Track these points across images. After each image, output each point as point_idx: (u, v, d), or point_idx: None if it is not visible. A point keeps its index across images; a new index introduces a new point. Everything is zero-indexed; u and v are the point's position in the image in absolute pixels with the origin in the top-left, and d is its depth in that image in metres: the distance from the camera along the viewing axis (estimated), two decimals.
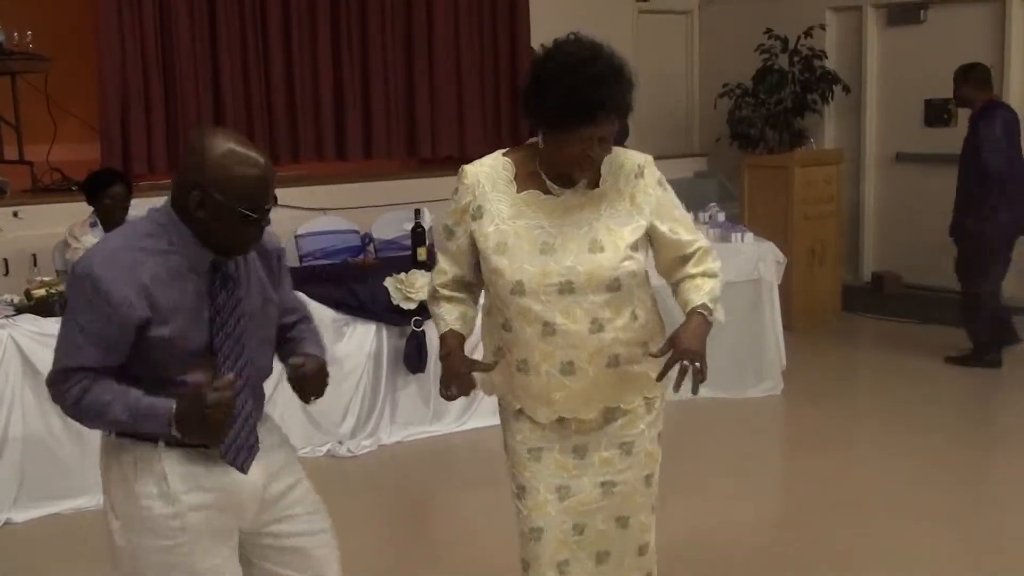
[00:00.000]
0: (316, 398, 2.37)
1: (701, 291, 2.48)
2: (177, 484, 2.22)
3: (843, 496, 4.45)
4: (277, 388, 3.11)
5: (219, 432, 2.12)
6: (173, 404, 2.11)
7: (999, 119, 6.08)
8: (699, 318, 2.43)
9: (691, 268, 2.52)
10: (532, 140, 2.53)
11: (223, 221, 2.14)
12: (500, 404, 2.71)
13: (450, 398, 2.52)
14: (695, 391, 2.38)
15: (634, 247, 2.48)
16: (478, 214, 2.52)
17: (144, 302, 2.13)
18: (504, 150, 2.59)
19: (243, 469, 2.26)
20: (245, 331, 2.25)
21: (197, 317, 2.19)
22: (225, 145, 2.14)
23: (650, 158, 2.57)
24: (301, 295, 2.72)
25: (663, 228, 2.51)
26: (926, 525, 4.15)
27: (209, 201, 2.13)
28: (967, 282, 6.29)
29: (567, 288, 2.45)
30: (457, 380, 2.49)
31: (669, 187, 2.57)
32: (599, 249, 2.45)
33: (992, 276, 6.24)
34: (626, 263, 2.46)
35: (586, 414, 2.57)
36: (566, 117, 2.36)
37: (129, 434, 2.22)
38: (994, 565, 3.83)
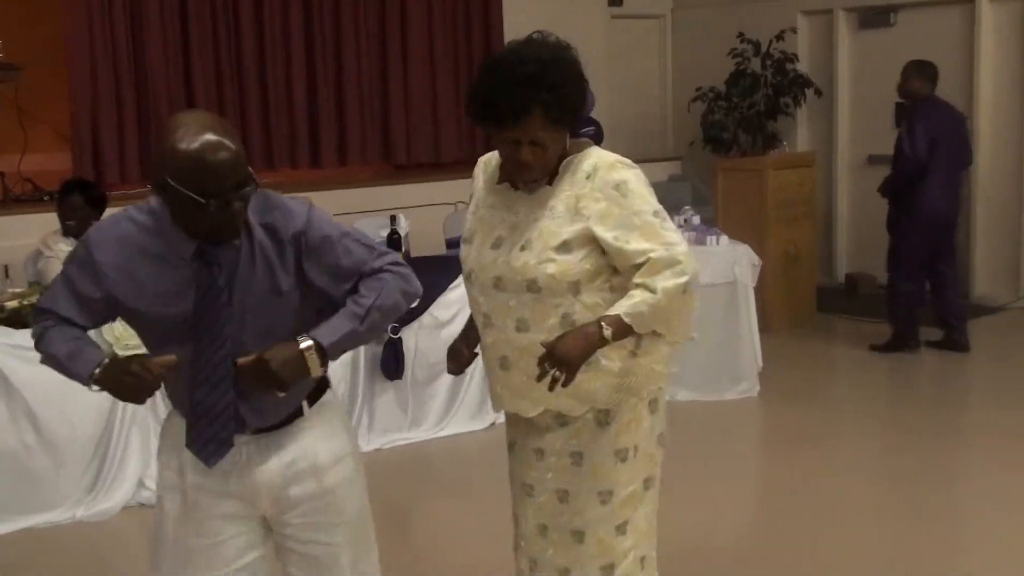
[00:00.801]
0: (278, 390, 2.15)
1: (627, 301, 2.32)
2: (188, 461, 2.27)
3: (822, 495, 4.47)
4: None
5: (124, 398, 2.17)
6: (107, 357, 2.17)
7: (936, 113, 6.32)
8: (592, 327, 2.31)
9: (636, 278, 2.34)
10: None
11: (179, 205, 2.08)
12: None
13: (451, 372, 2.71)
14: (551, 389, 2.32)
15: (562, 249, 2.37)
16: (469, 202, 2.61)
17: (122, 275, 2.16)
18: None
19: (208, 463, 2.23)
20: (231, 322, 2.18)
21: (178, 301, 2.17)
22: (182, 127, 2.05)
23: (617, 162, 2.42)
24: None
25: (607, 236, 2.35)
26: (905, 522, 4.17)
27: (166, 184, 2.07)
28: (888, 271, 6.56)
29: (499, 284, 2.45)
30: (453, 357, 2.67)
31: (633, 193, 2.37)
32: (528, 248, 2.41)
33: (909, 268, 6.39)
34: (545, 265, 2.37)
35: (527, 412, 2.52)
36: (486, 118, 2.36)
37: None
38: (974, 562, 3.86)
